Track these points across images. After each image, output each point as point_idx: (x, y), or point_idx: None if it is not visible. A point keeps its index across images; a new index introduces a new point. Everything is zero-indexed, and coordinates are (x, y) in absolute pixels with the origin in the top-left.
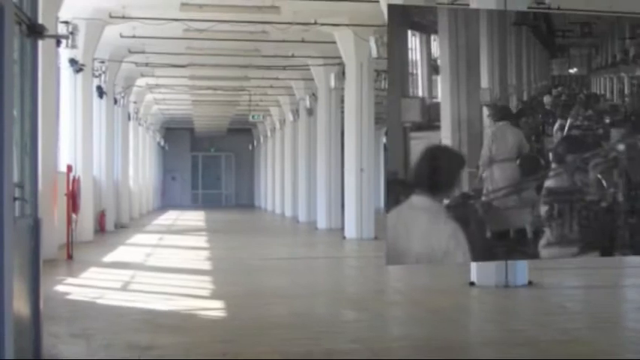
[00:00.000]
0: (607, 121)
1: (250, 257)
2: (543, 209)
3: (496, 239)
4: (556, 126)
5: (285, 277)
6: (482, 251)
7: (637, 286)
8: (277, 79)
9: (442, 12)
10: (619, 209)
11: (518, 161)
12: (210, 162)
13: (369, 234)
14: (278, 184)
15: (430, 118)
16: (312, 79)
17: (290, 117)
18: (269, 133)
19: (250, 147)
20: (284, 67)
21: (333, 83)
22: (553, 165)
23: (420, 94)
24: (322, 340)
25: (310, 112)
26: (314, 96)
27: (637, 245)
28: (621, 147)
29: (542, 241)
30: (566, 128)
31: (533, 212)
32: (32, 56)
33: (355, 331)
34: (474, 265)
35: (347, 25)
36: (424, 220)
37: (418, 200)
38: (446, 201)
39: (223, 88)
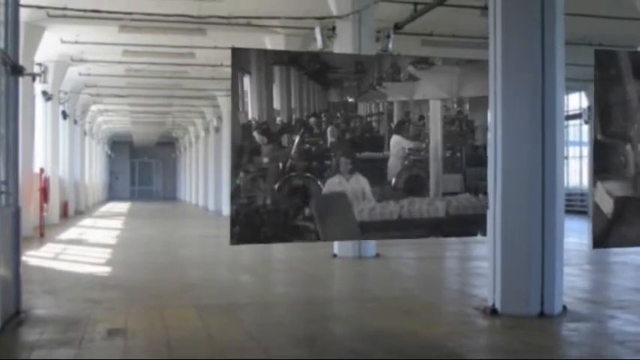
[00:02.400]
0: (347, 136)
1: (169, 235)
2: None
3: None
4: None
5: (195, 250)
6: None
7: (457, 258)
8: (193, 106)
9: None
10: (265, 210)
11: None
12: (144, 166)
13: None
14: (194, 182)
15: None
16: (219, 106)
17: (202, 133)
18: (187, 145)
19: (174, 155)
20: (198, 97)
21: None
22: None
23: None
24: (225, 296)
25: (217, 129)
26: (220, 118)
27: (279, 235)
28: (266, 160)
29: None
30: (296, 143)
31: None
32: (14, 89)
33: (249, 290)
34: (336, 242)
35: None
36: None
37: None
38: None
39: (154, 112)
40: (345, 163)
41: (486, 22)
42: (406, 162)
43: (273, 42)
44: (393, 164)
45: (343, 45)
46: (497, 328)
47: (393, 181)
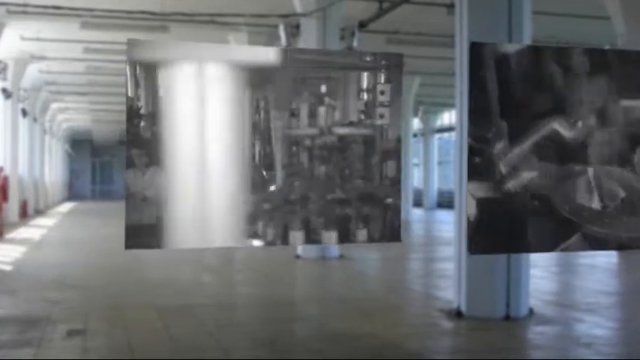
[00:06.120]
0: None
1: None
2: None
3: None
4: None
5: (155, 250)
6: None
7: (418, 259)
8: None
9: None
10: None
11: None
12: (104, 165)
13: None
14: None
15: None
16: None
17: None
18: None
19: None
20: None
21: None
22: None
23: None
24: (186, 296)
25: None
26: None
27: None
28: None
29: None
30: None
31: None
32: None
33: (210, 290)
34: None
35: None
36: None
37: None
38: None
39: (115, 111)
40: (138, 155)
41: (453, 21)
42: None
43: (237, 39)
44: None
45: (307, 43)
46: (462, 330)
47: None
